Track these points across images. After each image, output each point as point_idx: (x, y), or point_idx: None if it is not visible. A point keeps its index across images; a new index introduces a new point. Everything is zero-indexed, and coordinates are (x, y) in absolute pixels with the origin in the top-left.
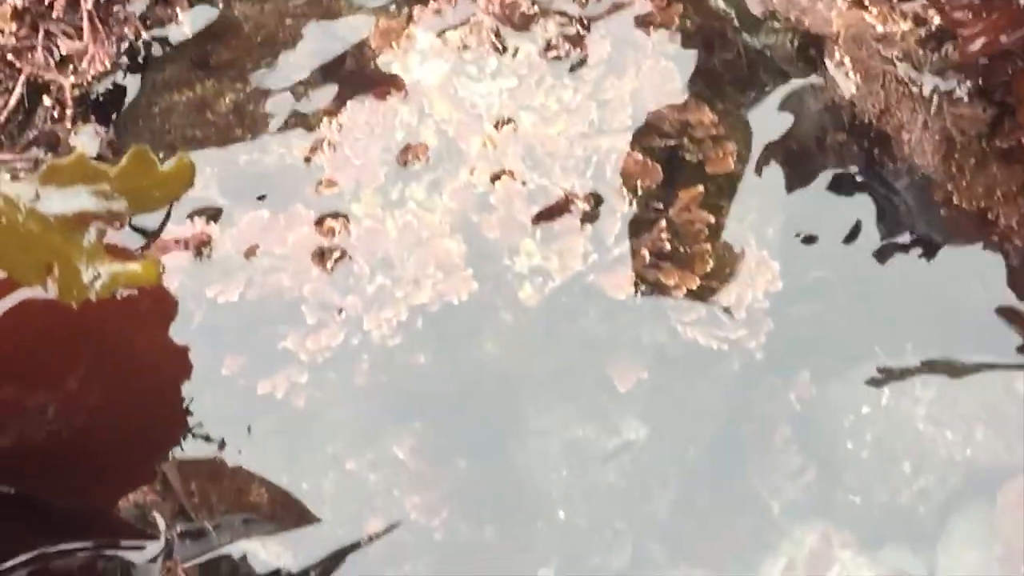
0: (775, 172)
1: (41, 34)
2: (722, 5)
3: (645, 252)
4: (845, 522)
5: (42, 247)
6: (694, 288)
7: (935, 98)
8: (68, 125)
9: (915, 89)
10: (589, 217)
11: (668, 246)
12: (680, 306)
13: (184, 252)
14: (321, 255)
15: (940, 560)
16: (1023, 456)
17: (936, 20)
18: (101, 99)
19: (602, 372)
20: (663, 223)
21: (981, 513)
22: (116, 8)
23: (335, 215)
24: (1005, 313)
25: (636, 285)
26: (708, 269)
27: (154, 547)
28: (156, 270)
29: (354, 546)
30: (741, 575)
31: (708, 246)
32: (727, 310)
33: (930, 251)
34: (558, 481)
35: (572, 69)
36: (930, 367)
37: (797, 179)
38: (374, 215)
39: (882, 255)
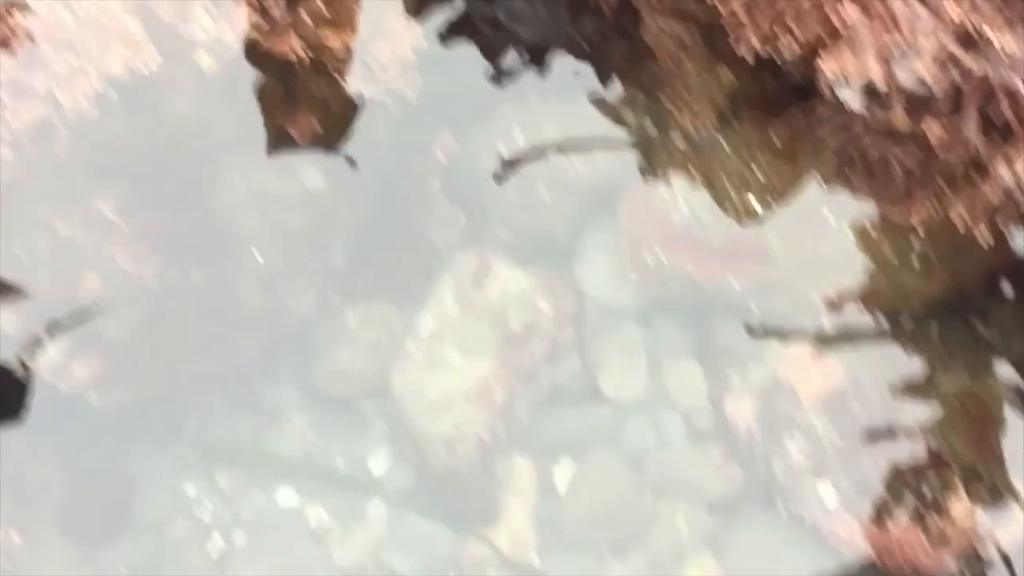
0: None
1: None
2: None
3: (306, 17)
4: (499, 249)
5: None
6: (352, 45)
7: None
8: None
9: None
10: None
11: (325, 11)
12: (340, 61)
13: None
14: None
15: (580, 269)
16: (637, 169)
17: None
18: None
19: (281, 127)
20: None
21: (608, 224)
22: None
23: (11, 5)
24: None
25: (304, 49)
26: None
27: None
28: None
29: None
30: (415, 302)
31: (356, 5)
32: (383, 66)
33: None
34: (252, 227)
35: None
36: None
37: None
38: (51, 5)
39: None
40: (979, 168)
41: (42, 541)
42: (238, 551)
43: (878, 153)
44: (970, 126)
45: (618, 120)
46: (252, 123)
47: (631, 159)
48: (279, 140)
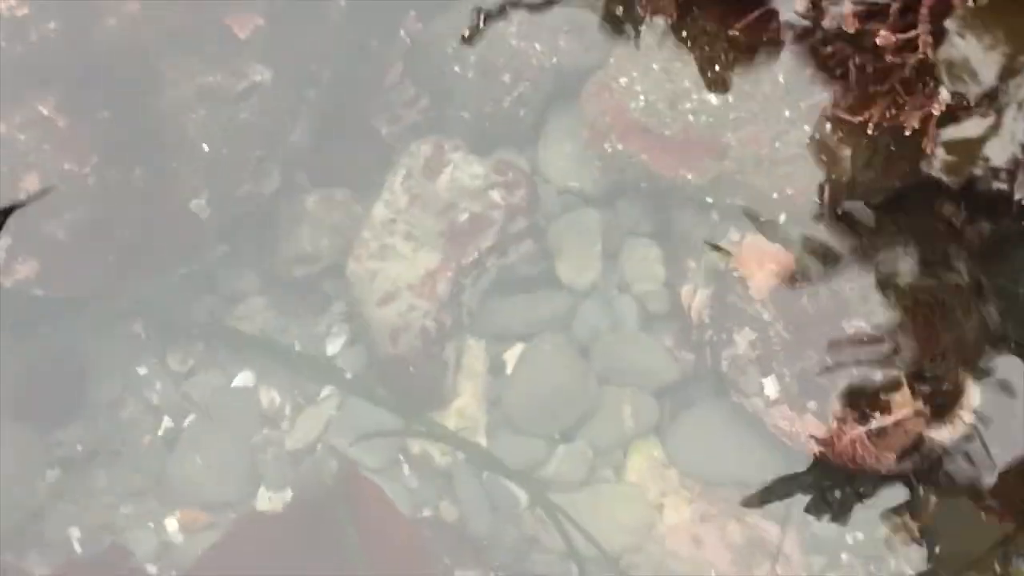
0: None
1: None
2: None
3: None
4: (457, 134)
5: None
6: None
7: None
8: None
9: None
10: None
11: None
12: None
13: None
14: None
15: (541, 154)
16: (599, 57)
17: None
18: None
19: (222, 23)
20: None
21: (570, 110)
22: None
23: None
24: None
25: None
26: None
27: None
28: None
29: (13, 205)
30: (372, 189)
31: None
32: None
33: None
34: (196, 121)
35: None
36: None
37: None
38: None
39: None
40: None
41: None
42: (187, 432)
43: (834, 53)
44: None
45: (583, 7)
46: (194, 20)
47: (595, 47)
48: (222, 36)
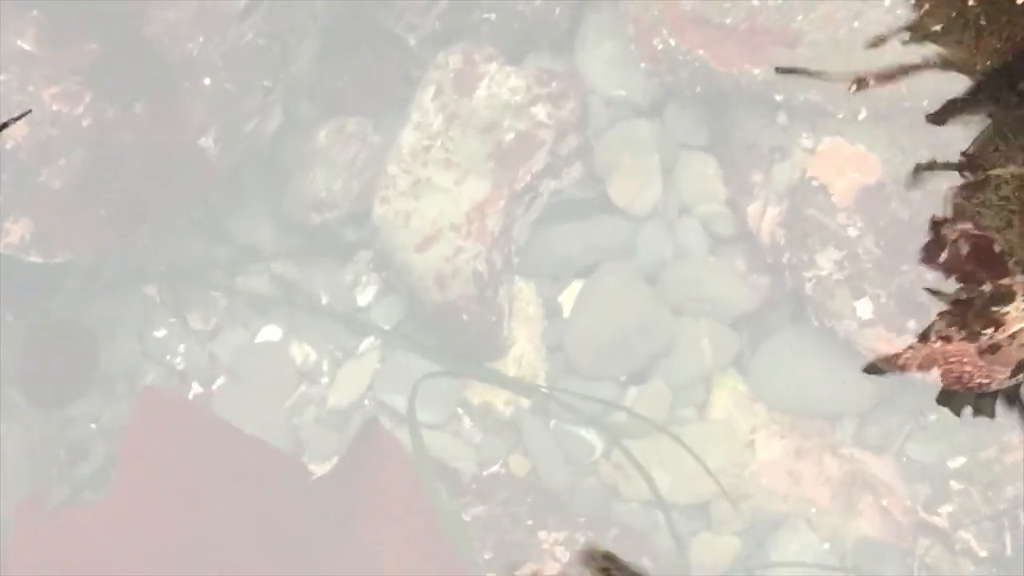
0: None
1: None
2: None
3: None
4: (486, 40)
5: None
6: None
7: None
8: None
9: None
10: None
11: None
12: None
13: None
14: None
15: (579, 56)
16: None
17: None
18: None
19: None
20: None
21: (611, 5)
22: None
23: None
24: None
25: None
26: None
27: None
28: None
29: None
30: (393, 114)
31: None
32: None
33: None
34: (196, 48)
35: None
36: None
37: None
38: None
39: None
40: None
41: (4, 404)
42: (218, 396)
43: None
44: None
45: None
46: None
47: None
48: None
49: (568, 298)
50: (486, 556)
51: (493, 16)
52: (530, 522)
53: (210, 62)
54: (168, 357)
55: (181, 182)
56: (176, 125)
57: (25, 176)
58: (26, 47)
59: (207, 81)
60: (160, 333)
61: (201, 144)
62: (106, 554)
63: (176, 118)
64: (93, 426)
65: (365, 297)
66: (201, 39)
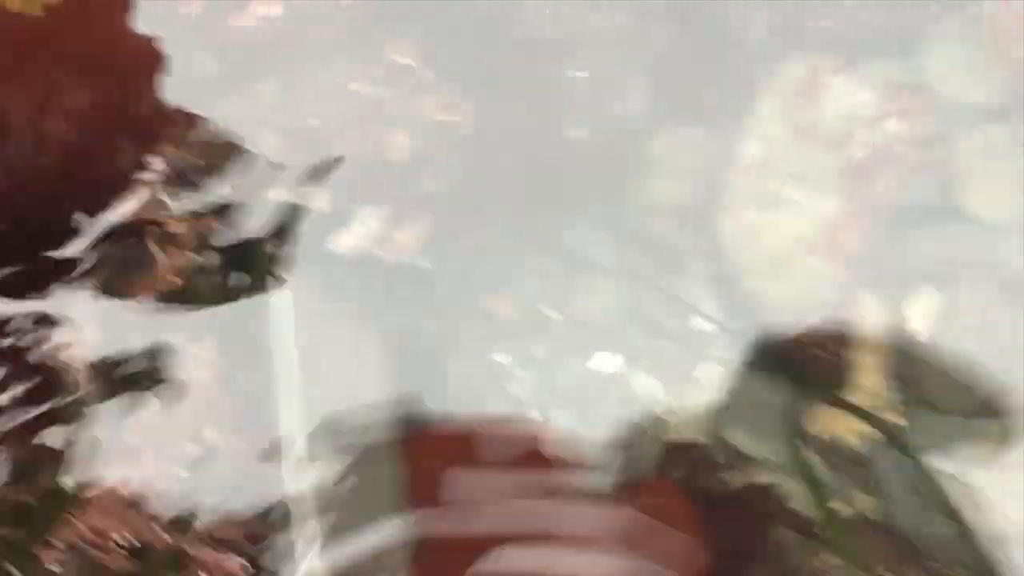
0: None
1: None
2: None
3: None
4: (827, 49)
5: None
6: None
7: None
8: None
9: None
10: None
11: None
12: None
13: None
14: None
15: (925, 63)
16: None
17: None
18: None
19: None
20: None
21: (965, 8)
22: None
23: None
24: None
25: None
26: None
27: None
28: None
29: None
30: (732, 122)
31: None
32: None
33: None
34: (563, 37)
35: None
36: None
37: None
38: None
39: None
40: None
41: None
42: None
43: None
44: None
45: None
46: None
47: None
48: None
49: (920, 310)
50: None
51: (831, 24)
52: None
53: (580, 49)
54: (508, 386)
55: (545, 181)
56: (551, 122)
57: (410, 185)
58: (410, 63)
59: (576, 74)
60: (502, 358)
61: (573, 141)
62: None
63: (550, 110)
64: None
65: (703, 318)
66: (576, 24)
